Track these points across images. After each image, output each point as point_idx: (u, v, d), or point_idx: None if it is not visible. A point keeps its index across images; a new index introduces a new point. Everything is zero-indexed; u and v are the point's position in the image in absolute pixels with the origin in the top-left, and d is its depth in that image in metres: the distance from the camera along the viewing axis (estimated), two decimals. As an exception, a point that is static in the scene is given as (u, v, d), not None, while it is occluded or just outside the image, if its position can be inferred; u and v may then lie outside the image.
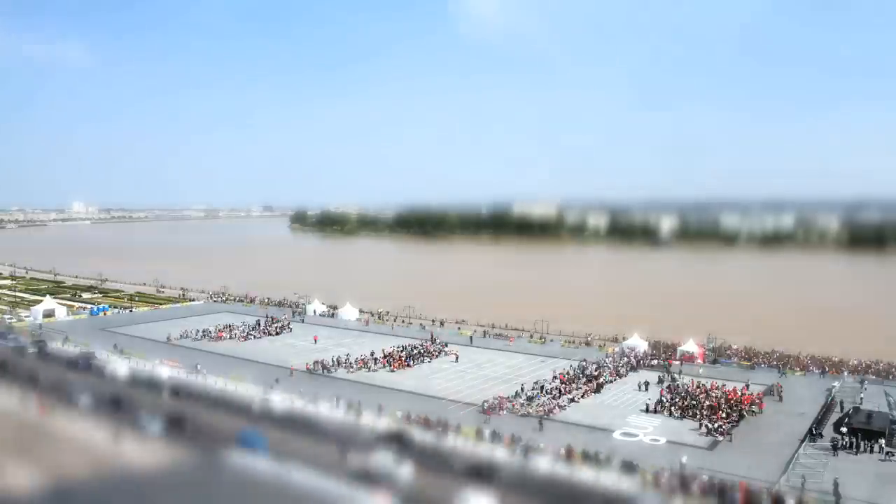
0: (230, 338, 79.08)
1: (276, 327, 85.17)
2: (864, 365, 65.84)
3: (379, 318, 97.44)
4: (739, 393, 53.79)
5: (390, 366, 65.18)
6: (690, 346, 71.26)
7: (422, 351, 71.29)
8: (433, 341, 76.06)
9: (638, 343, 73.73)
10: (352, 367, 64.20)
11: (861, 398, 52.92)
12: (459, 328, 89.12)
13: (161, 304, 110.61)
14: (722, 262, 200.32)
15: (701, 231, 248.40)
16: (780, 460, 39.83)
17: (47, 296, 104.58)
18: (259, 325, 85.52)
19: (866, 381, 59.95)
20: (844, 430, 43.59)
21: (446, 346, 75.12)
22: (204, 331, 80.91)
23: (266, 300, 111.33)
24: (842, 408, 50.47)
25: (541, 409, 50.42)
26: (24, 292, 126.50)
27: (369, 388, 56.92)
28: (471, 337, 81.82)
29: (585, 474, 32.24)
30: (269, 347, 74.91)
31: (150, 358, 62.77)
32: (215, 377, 53.64)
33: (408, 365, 66.30)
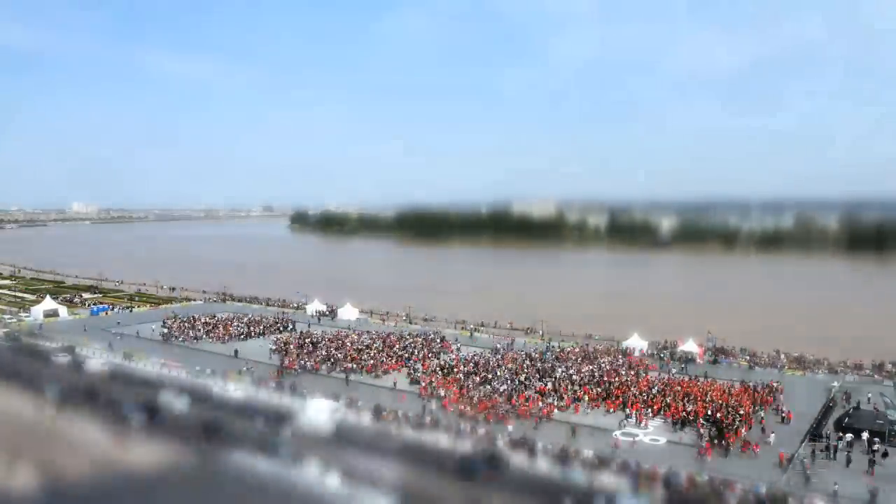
0: (230, 337, 79.04)
1: (275, 326, 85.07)
2: (860, 365, 65.59)
3: (376, 316, 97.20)
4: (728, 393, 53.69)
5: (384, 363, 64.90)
6: (690, 345, 71.13)
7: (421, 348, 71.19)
8: (438, 340, 76.10)
9: (637, 343, 73.57)
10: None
11: (869, 397, 52.80)
12: (463, 328, 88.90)
13: (160, 304, 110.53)
14: (721, 263, 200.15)
15: (701, 231, 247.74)
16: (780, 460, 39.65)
17: (47, 296, 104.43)
18: (257, 323, 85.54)
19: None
20: (847, 435, 43.21)
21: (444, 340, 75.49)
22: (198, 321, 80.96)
23: (266, 300, 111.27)
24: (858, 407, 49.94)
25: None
26: (24, 292, 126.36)
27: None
28: (457, 337, 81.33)
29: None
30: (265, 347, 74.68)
31: (149, 358, 62.76)
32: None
33: (405, 365, 66.06)
